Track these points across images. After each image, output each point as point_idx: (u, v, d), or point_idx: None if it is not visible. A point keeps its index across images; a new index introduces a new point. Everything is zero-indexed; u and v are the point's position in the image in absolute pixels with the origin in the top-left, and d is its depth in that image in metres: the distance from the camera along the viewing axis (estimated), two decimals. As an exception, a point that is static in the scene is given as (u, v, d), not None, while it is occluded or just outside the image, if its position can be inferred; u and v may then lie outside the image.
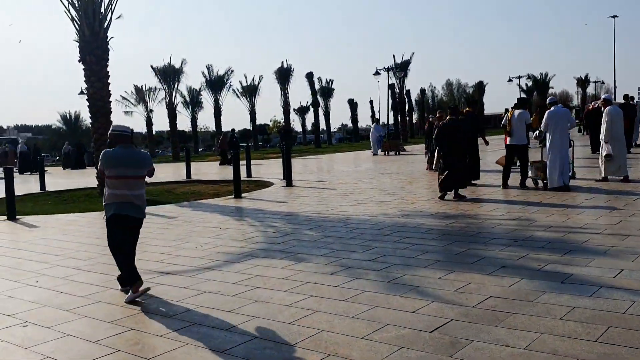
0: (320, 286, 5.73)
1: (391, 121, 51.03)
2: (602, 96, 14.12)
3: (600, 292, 5.02)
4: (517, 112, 12.52)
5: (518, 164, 12.67)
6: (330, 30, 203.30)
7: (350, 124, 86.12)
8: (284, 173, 16.58)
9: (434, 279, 5.74)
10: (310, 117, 66.76)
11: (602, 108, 13.22)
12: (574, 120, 12.63)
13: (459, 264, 6.29)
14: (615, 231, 7.41)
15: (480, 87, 74.96)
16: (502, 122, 13.07)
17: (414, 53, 63.04)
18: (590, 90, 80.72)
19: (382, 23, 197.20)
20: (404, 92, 56.12)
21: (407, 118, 59.56)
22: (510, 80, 57.83)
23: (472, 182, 13.11)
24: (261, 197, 13.77)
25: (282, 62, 55.22)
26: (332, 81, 63.82)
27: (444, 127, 11.45)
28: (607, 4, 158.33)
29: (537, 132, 11.73)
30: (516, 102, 13.73)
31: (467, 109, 14.17)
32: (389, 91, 50.63)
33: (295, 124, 73.05)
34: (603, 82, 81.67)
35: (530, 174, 12.61)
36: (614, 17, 65.91)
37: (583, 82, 77.98)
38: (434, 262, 6.44)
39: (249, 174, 20.05)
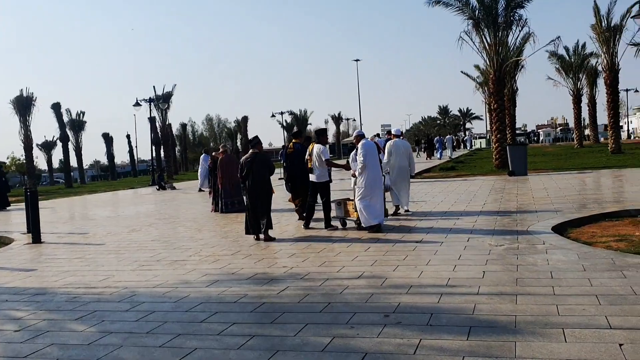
0: None
1: (153, 155, 47.40)
2: (390, 131, 13.83)
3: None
4: (317, 146, 11.00)
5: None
6: (79, 56, 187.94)
7: (105, 160, 79.41)
8: (29, 225, 12.61)
9: (320, 417, 3.40)
10: (58, 153, 59.42)
11: (385, 142, 13.00)
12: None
13: (339, 372, 4.06)
14: (493, 289, 5.94)
15: (245, 121, 75.25)
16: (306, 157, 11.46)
17: (175, 85, 60.20)
18: (342, 127, 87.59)
19: (138, 52, 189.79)
20: (167, 125, 52.90)
21: (172, 153, 56.28)
22: (273, 115, 58.71)
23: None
24: (-6, 263, 9.84)
25: (22, 90, 47.77)
26: (84, 113, 57.69)
27: (245, 162, 10.22)
28: (352, 48, 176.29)
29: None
30: (315, 134, 12.29)
31: (294, 140, 12.38)
32: (150, 124, 47.04)
33: (40, 160, 64.47)
34: (354, 119, 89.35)
35: (336, 213, 11.18)
36: (357, 60, 72.96)
37: (337, 119, 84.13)
38: (297, 372, 4.10)
39: (-24, 226, 15.27)
